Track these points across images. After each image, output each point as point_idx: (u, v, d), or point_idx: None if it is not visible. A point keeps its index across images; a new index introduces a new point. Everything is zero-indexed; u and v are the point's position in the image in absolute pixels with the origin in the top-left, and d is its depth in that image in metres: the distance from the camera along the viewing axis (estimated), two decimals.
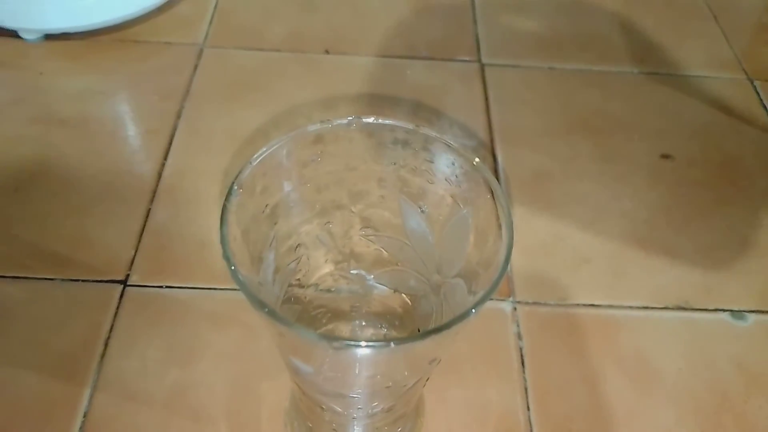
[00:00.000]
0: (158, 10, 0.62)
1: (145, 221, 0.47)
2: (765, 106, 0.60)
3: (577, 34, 0.66)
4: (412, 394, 0.29)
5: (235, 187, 0.23)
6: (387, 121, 0.26)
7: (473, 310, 0.22)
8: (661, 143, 0.56)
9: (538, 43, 0.65)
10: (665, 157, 0.55)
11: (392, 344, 0.19)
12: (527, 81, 0.60)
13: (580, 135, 0.56)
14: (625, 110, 0.59)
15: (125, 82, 0.57)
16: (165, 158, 0.51)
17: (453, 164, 0.26)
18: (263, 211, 0.26)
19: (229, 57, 0.60)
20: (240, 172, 0.23)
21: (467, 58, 0.62)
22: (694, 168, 0.55)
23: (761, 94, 0.62)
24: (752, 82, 0.63)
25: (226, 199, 0.22)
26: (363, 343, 0.19)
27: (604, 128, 0.57)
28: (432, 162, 0.26)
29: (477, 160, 0.25)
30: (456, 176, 0.26)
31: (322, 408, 0.30)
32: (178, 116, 0.54)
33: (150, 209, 0.48)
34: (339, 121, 0.26)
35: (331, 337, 0.19)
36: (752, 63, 0.64)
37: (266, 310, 0.20)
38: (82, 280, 0.43)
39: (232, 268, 0.20)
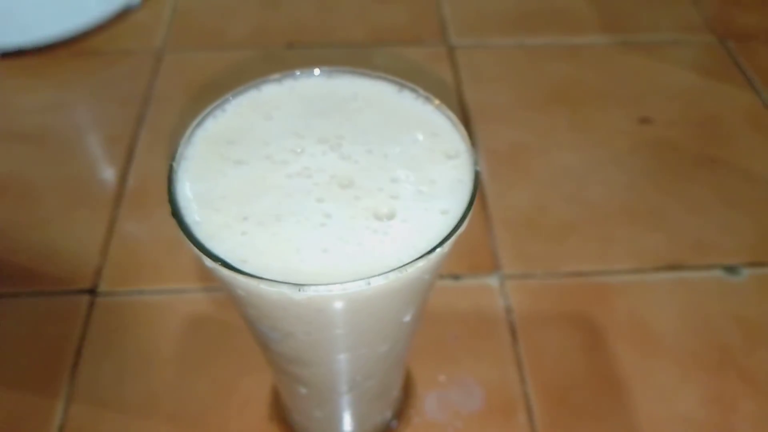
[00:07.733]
0: (115, 19, 0.61)
1: (112, 227, 0.45)
2: (739, 65, 0.60)
3: (543, 8, 0.65)
4: (392, 366, 0.27)
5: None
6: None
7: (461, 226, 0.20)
8: (638, 108, 0.55)
9: (506, 20, 0.63)
10: (644, 121, 0.54)
11: (365, 282, 0.17)
12: (498, 59, 0.59)
13: (555, 106, 0.55)
14: (599, 79, 0.57)
15: (84, 93, 0.56)
16: (128, 163, 0.49)
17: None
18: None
19: (189, 59, 0.58)
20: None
21: (434, 41, 0.61)
22: (674, 129, 0.53)
23: (734, 54, 0.61)
24: (723, 43, 0.62)
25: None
26: (324, 287, 0.18)
27: (579, 98, 0.56)
28: None
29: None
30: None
31: (303, 390, 0.29)
32: (140, 121, 0.52)
33: (115, 215, 0.46)
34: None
35: (293, 284, 0.18)
36: (722, 25, 0.64)
37: (219, 262, 0.18)
38: (49, 293, 0.41)
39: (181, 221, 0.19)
